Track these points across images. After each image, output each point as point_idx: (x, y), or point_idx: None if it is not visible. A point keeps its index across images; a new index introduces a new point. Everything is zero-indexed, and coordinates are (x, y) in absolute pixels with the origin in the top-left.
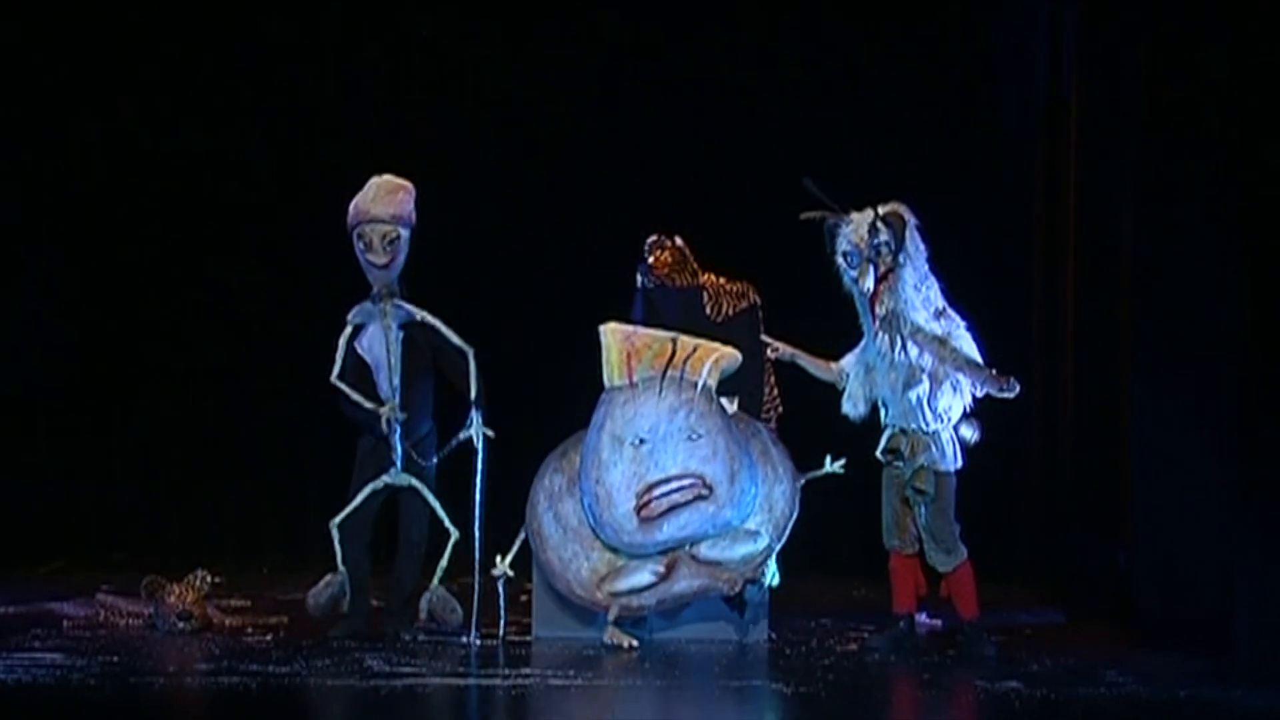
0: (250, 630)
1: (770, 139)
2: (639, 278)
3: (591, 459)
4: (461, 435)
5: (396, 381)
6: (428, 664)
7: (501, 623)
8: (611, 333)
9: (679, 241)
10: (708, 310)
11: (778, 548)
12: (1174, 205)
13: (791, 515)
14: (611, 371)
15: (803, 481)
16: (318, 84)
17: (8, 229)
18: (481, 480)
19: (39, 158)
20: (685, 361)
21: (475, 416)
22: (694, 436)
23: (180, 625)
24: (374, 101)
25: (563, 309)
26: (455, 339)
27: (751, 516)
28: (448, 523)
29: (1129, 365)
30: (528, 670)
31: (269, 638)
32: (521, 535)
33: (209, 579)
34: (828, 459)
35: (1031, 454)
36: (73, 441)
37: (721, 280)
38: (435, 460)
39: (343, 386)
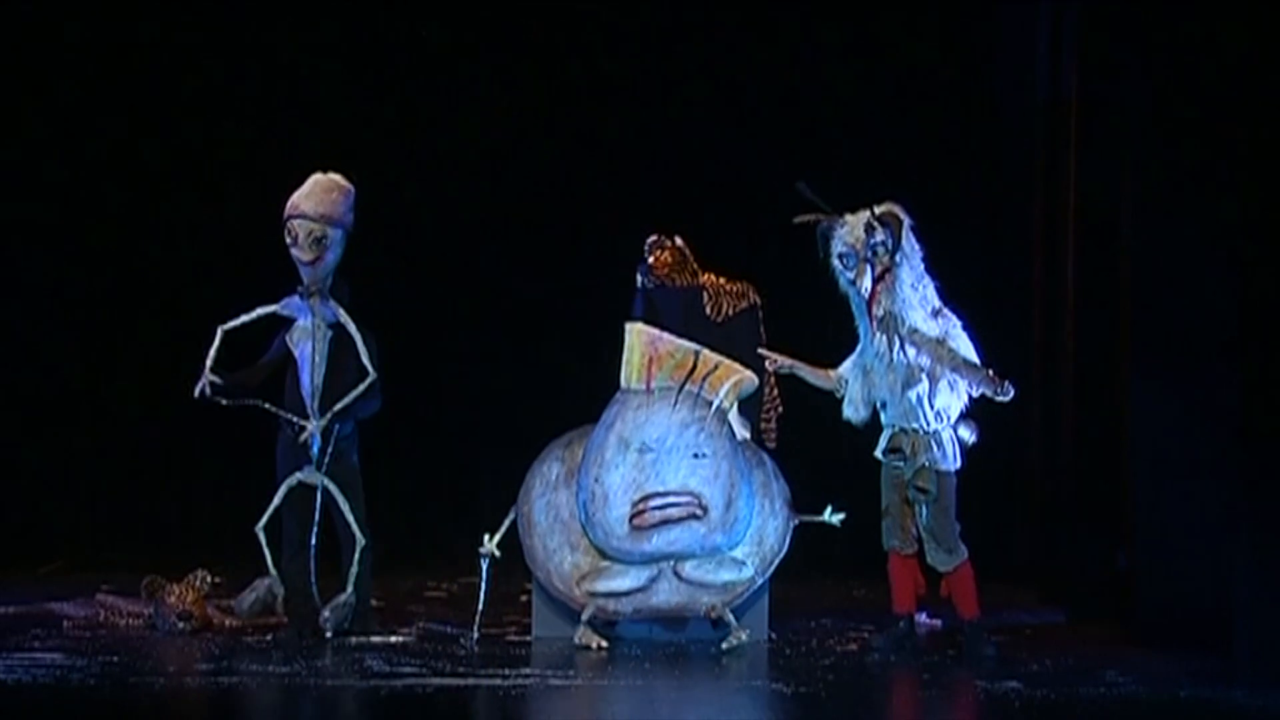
0: (250, 630)
1: (770, 139)
2: (639, 278)
3: (594, 456)
4: (302, 425)
5: (319, 379)
6: (428, 664)
7: (481, 600)
8: (637, 334)
9: (679, 241)
10: (708, 310)
11: (761, 581)
12: (1174, 205)
13: (780, 552)
14: (630, 373)
15: (797, 522)
16: (317, 86)
17: (6, 233)
18: (323, 473)
19: (34, 161)
20: (705, 378)
21: (324, 421)
22: (699, 455)
23: (180, 625)
24: (372, 102)
25: (563, 309)
26: (366, 359)
27: (741, 545)
28: (356, 529)
29: (1129, 366)
30: (528, 670)
31: (269, 637)
32: (511, 516)
33: (209, 579)
34: (828, 509)
35: (1031, 454)
36: (72, 442)
37: (721, 280)
38: (356, 457)
39: (218, 338)
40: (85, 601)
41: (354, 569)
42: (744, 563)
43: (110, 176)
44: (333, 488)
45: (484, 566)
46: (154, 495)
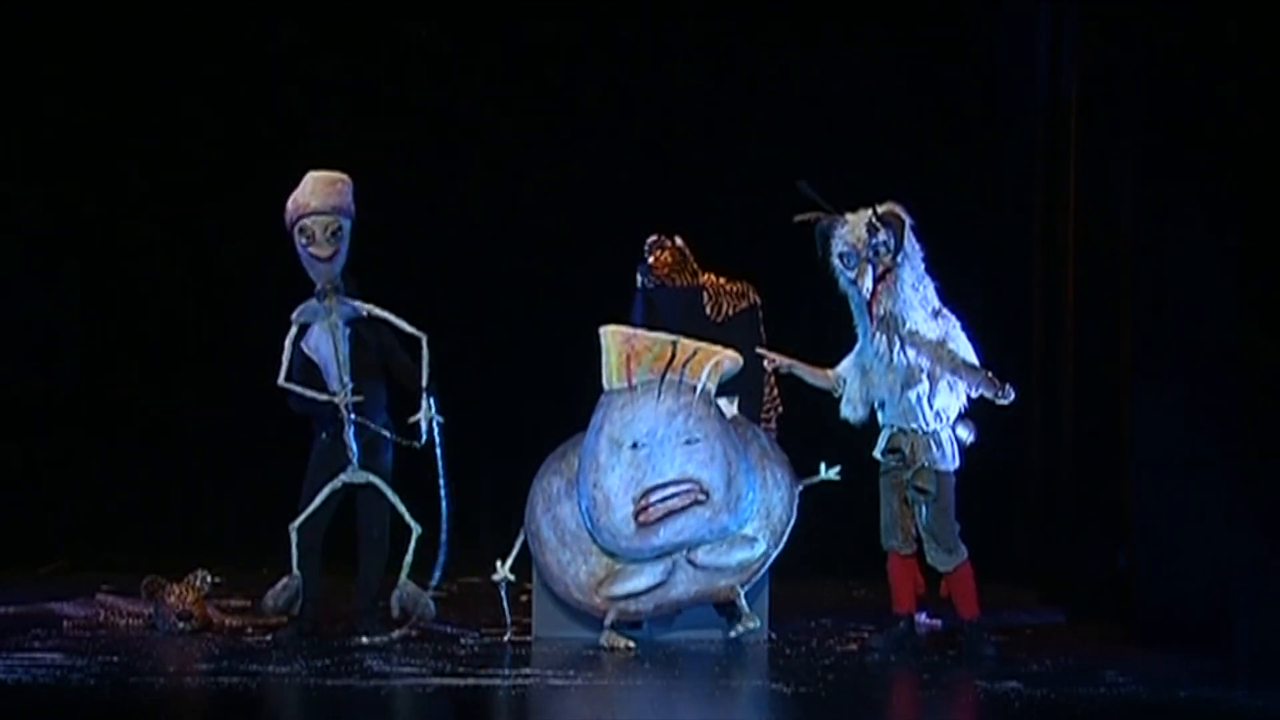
0: (250, 630)
1: (770, 139)
2: (639, 278)
3: (589, 462)
4: (411, 420)
5: (346, 379)
6: (428, 664)
7: (507, 625)
8: (611, 335)
9: (679, 241)
10: (708, 310)
11: (775, 554)
12: (1174, 206)
13: (789, 521)
14: (610, 374)
15: (800, 488)
16: (318, 84)
17: (6, 233)
18: (443, 466)
19: (33, 161)
20: (685, 365)
21: (426, 402)
22: (691, 441)
23: (180, 625)
24: (372, 101)
25: (563, 309)
26: (407, 327)
27: (749, 522)
28: (408, 518)
29: (1129, 366)
30: (528, 670)
31: (269, 637)
32: (521, 537)
33: (209, 579)
34: (822, 466)
35: (1031, 454)
36: (72, 442)
37: (721, 280)
38: (390, 456)
39: (291, 387)
40: (85, 601)
41: (409, 558)
42: (755, 539)
43: (108, 177)
44: (381, 484)
45: (502, 591)
46: (154, 495)
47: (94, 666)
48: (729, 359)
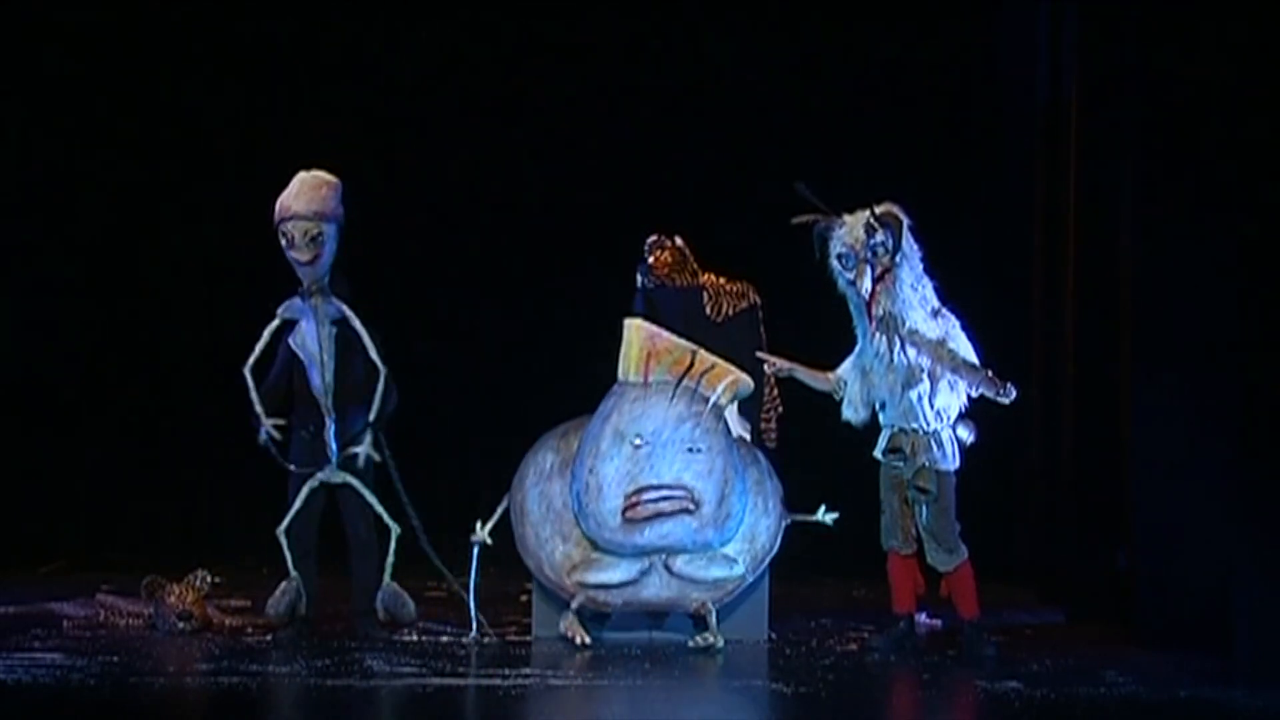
0: (250, 630)
1: (770, 140)
2: (639, 278)
3: (589, 447)
4: (352, 449)
5: (329, 378)
6: (428, 664)
7: (471, 588)
8: (636, 329)
9: (679, 241)
10: (708, 310)
11: (751, 579)
12: (1174, 207)
13: (771, 551)
14: (628, 366)
15: (789, 521)
16: (318, 81)
17: (5, 234)
18: (405, 498)
19: (34, 159)
20: (702, 375)
21: (367, 436)
22: (694, 450)
23: (180, 625)
24: (373, 100)
25: (563, 309)
26: (374, 354)
27: (732, 542)
28: (387, 518)
29: (1129, 366)
30: (528, 670)
31: (269, 637)
32: (503, 504)
33: (209, 579)
34: (821, 508)
35: (1031, 454)
36: (73, 441)
37: (721, 280)
38: (370, 455)
39: (248, 379)
40: (85, 601)
41: (390, 559)
42: (735, 560)
43: (109, 175)
44: (357, 484)
45: (474, 554)
46: (154, 495)
47: (94, 666)
48: (744, 381)
